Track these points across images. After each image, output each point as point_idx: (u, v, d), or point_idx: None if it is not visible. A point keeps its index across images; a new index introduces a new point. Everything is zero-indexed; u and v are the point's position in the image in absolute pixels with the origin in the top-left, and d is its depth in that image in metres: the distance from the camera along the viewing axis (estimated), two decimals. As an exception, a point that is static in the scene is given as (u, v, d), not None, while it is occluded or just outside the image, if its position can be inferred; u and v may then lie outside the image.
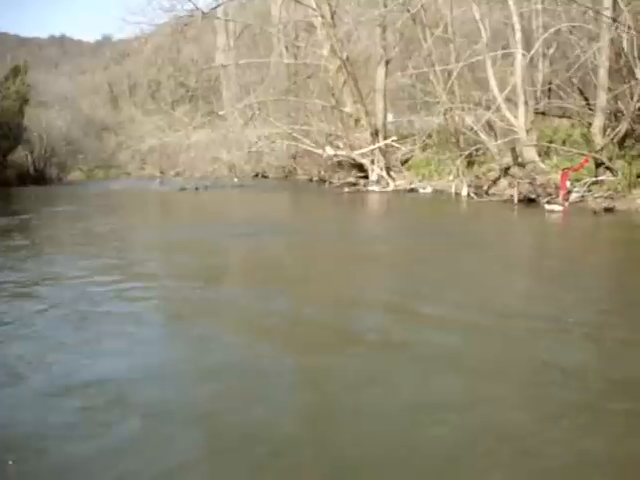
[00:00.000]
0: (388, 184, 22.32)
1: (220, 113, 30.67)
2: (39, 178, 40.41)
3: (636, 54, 14.93)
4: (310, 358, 5.00)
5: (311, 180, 28.09)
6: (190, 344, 5.55)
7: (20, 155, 40.09)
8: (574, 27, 17.86)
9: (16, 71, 38.41)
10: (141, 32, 32.33)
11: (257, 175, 33.21)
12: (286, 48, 30.89)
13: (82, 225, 15.05)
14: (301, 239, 11.74)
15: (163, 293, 7.54)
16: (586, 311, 6.07)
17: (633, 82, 15.13)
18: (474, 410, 3.86)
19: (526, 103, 17.58)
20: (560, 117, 20.48)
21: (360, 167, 24.00)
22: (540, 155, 17.27)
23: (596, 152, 15.33)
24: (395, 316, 6.12)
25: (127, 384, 4.44)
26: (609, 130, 15.85)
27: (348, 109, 24.40)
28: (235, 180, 29.64)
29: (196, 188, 26.53)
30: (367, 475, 3.22)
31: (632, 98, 15.19)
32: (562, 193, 14.83)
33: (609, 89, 15.91)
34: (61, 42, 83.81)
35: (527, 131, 17.27)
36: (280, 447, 3.48)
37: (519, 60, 17.38)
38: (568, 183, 14.97)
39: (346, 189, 22.53)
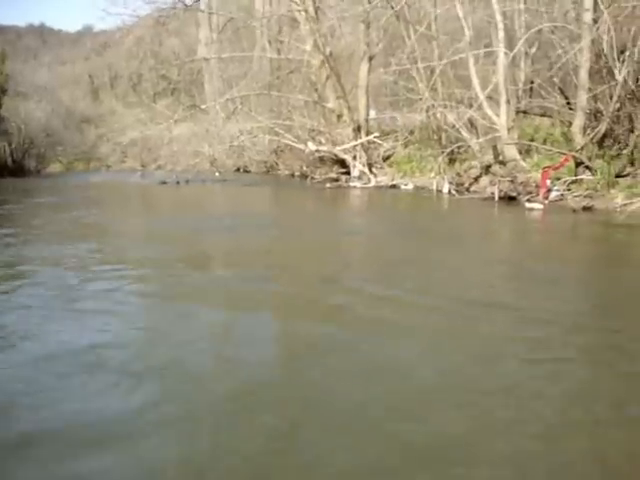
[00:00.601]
0: (370, 180, 22.34)
1: (202, 107, 30.50)
2: (17, 170, 39.83)
3: (615, 55, 15.10)
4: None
5: (293, 175, 28.03)
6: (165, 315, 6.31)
7: (-3, 146, 39.50)
8: (556, 27, 18.01)
9: (-6, 60, 37.82)
10: (123, 23, 31.98)
11: (239, 169, 33.08)
12: (269, 42, 30.81)
13: (67, 216, 15.12)
14: (277, 233, 11.81)
15: (144, 275, 8.03)
16: (548, 304, 6.16)
17: (613, 83, 15.30)
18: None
19: (508, 101, 17.71)
20: (541, 116, 20.64)
21: (342, 163, 23.99)
22: (521, 153, 17.41)
23: (576, 151, 15.48)
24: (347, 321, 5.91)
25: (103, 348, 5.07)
26: (589, 130, 16.01)
27: (330, 105, 24.37)
28: (216, 174, 29.48)
29: (177, 182, 26.35)
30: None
31: (611, 99, 15.35)
32: (542, 191, 14.98)
33: (589, 89, 16.07)
34: (40, 31, 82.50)
35: (508, 129, 17.40)
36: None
37: (501, 59, 17.49)
38: (548, 182, 15.11)
39: (328, 185, 22.52)
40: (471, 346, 4.99)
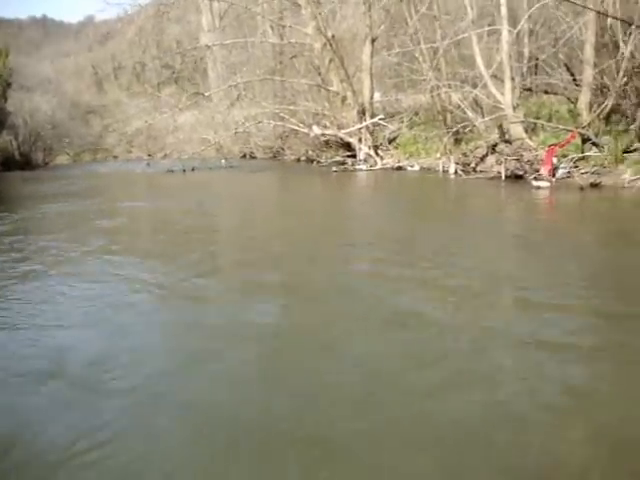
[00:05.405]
0: (376, 163, 22.28)
1: (206, 94, 30.41)
2: (25, 163, 40.07)
3: (621, 28, 14.91)
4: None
5: (299, 160, 27.99)
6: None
7: (4, 140, 39.67)
8: (560, 2, 17.79)
9: (-3, 54, 37.85)
10: (124, 13, 31.86)
11: (245, 156, 33.09)
12: (271, 28, 30.62)
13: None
14: (285, 214, 11.85)
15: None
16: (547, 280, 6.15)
17: (619, 57, 15.12)
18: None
19: (512, 79, 17.55)
20: (547, 93, 20.47)
21: (348, 146, 23.94)
22: (527, 132, 17.26)
23: (582, 128, 15.35)
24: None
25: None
26: (595, 106, 15.86)
27: (334, 88, 24.25)
28: (222, 162, 29.50)
29: (183, 170, 26.42)
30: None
31: (618, 73, 15.18)
32: (546, 169, 14.81)
33: (595, 64, 15.88)
34: (43, 23, 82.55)
35: (514, 108, 17.26)
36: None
37: (505, 36, 17.30)
38: (555, 159, 14.97)
39: (334, 168, 22.45)
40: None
